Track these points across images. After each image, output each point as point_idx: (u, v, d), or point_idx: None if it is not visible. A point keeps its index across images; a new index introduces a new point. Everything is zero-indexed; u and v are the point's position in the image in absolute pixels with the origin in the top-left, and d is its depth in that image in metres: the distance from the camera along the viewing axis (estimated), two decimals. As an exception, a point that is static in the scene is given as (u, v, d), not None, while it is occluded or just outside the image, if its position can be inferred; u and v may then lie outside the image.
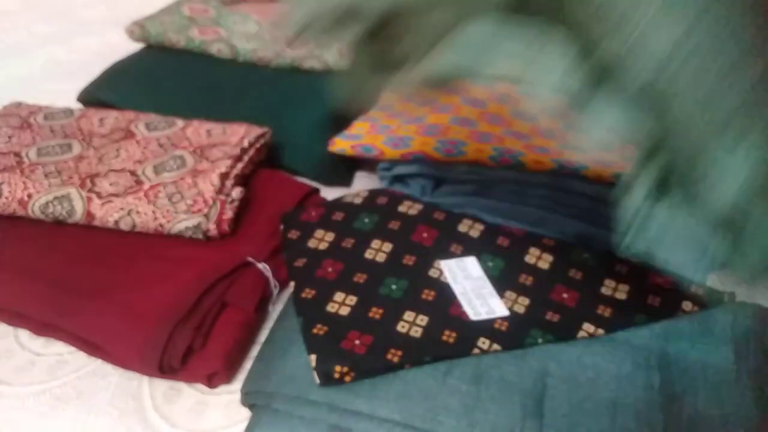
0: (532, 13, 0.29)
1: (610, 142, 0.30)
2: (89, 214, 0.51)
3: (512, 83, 0.29)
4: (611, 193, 0.52)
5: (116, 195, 0.51)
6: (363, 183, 0.67)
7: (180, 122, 0.61)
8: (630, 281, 0.47)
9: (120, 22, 0.88)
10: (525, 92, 0.29)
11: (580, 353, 0.42)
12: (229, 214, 0.52)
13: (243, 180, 0.57)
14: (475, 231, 0.51)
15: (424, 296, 0.45)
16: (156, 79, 0.76)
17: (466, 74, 0.30)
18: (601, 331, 0.43)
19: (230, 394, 0.45)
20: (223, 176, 0.53)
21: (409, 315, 0.43)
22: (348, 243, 0.50)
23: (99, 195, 0.51)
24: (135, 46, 0.83)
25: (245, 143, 0.58)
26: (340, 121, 0.67)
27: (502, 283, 0.46)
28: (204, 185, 0.52)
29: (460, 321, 0.43)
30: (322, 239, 0.50)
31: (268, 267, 0.49)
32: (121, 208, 0.51)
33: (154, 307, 0.44)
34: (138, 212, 0.50)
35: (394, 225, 0.51)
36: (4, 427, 0.43)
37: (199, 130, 0.60)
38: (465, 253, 0.49)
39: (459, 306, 0.44)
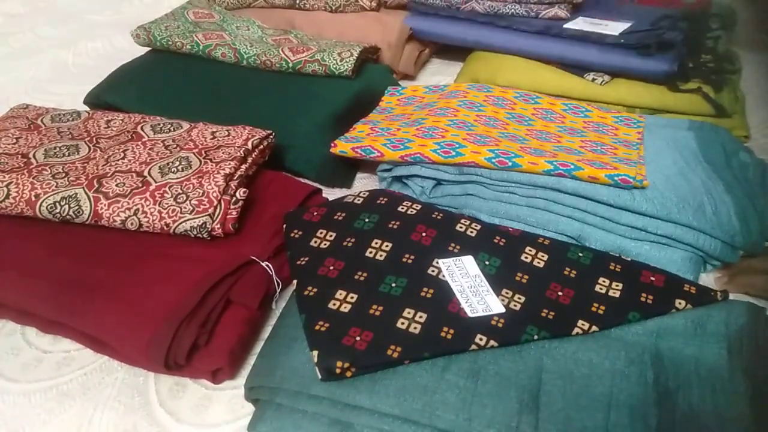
0: None
1: None
2: (96, 214, 0.52)
3: None
4: (606, 193, 0.53)
5: (123, 195, 0.52)
6: (363, 184, 0.68)
7: (185, 125, 0.62)
8: (623, 279, 0.47)
9: (126, 27, 0.90)
10: None
11: (575, 349, 0.43)
12: (233, 214, 0.52)
13: (247, 181, 0.58)
14: (473, 231, 0.52)
15: (423, 294, 0.46)
16: (161, 82, 0.77)
17: None
18: (595, 328, 0.44)
19: (234, 389, 0.45)
20: (228, 177, 0.54)
21: (408, 312, 0.44)
22: (349, 242, 0.50)
23: (106, 195, 0.52)
24: (141, 50, 0.84)
25: (249, 145, 0.58)
26: (342, 124, 0.68)
27: (498, 281, 0.47)
28: (209, 186, 0.53)
29: (458, 318, 0.44)
30: (323, 238, 0.51)
31: (271, 265, 0.50)
32: (128, 208, 0.52)
33: (159, 305, 0.45)
34: (144, 212, 0.51)
35: (393, 225, 0.52)
36: (11, 423, 0.43)
37: (204, 133, 0.61)
38: (462, 252, 0.50)
39: (457, 303, 0.45)
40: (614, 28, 0.76)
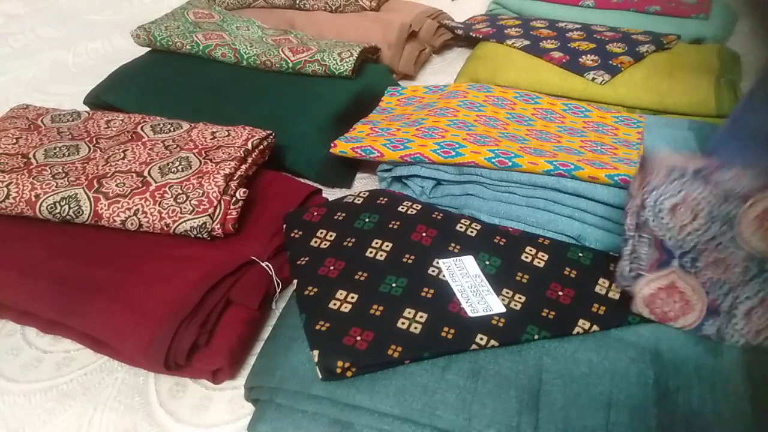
0: None
1: None
2: (96, 214, 0.52)
3: None
4: (606, 194, 0.53)
5: (123, 195, 0.52)
6: (363, 184, 0.68)
7: (185, 125, 0.62)
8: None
9: (126, 27, 0.90)
10: None
11: (575, 349, 0.43)
12: (233, 214, 0.52)
13: (247, 181, 0.58)
14: (473, 231, 0.52)
15: (423, 294, 0.46)
16: (161, 82, 0.77)
17: None
18: (595, 327, 0.44)
19: (234, 389, 0.45)
20: (228, 177, 0.54)
21: (408, 312, 0.44)
22: (349, 242, 0.50)
23: (106, 195, 0.52)
24: (141, 50, 0.84)
25: (249, 145, 0.58)
26: (342, 124, 0.68)
27: (498, 281, 0.47)
28: (209, 186, 0.53)
29: (458, 318, 0.44)
30: (324, 238, 0.51)
31: (271, 266, 0.50)
32: (128, 209, 0.52)
33: (160, 305, 0.45)
34: (144, 212, 0.51)
35: (393, 225, 0.52)
36: (11, 423, 0.43)
37: (203, 133, 0.61)
38: (463, 252, 0.50)
39: (457, 303, 0.45)
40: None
